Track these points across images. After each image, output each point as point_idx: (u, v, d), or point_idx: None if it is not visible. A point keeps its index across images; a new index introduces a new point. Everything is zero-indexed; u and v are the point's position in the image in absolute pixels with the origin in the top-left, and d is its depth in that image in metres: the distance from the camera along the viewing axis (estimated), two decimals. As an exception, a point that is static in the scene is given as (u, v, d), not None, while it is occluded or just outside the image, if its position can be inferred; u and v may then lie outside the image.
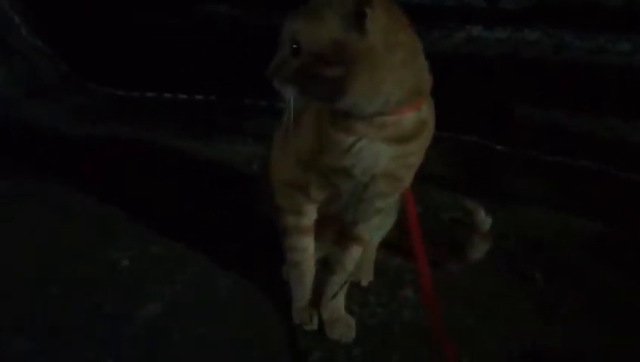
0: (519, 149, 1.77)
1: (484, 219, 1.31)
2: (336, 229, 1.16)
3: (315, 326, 1.16)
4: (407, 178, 1.02)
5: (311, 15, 0.86)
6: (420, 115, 0.93)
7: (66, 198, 1.60)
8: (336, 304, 1.17)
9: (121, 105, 2.32)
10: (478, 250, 1.32)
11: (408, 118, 0.92)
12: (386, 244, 1.37)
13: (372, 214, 1.08)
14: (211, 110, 2.26)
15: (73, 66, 2.47)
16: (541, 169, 1.78)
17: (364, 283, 1.32)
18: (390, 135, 0.91)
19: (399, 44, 0.85)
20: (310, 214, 1.10)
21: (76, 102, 2.41)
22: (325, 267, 1.21)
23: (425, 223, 1.14)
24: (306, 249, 1.13)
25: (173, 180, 1.78)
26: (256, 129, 2.18)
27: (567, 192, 1.73)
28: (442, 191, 1.71)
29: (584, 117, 1.79)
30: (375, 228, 1.16)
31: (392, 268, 1.40)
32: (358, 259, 1.16)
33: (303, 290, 1.17)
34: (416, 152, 0.97)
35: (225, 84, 2.21)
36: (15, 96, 2.35)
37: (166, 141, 2.08)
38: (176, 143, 2.07)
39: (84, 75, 2.41)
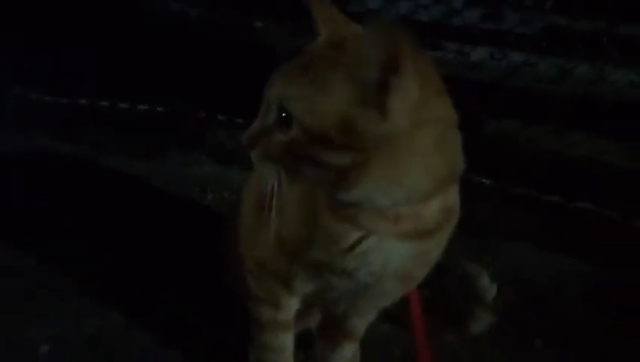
0: (508, 184, 1.61)
1: (488, 287, 1.14)
2: (322, 311, 0.93)
3: None
4: (424, 275, 0.79)
5: (311, 77, 0.61)
6: (445, 201, 0.70)
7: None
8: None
9: (46, 113, 1.95)
10: (481, 324, 1.15)
11: (431, 207, 0.68)
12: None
13: (373, 311, 0.86)
14: (159, 123, 1.93)
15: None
16: (531, 206, 1.63)
17: None
18: (407, 230, 0.68)
19: (432, 121, 0.62)
20: (291, 307, 0.86)
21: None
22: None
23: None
24: (284, 348, 0.89)
25: (110, 216, 1.45)
26: (213, 147, 1.86)
27: (556, 231, 1.60)
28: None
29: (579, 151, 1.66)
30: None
31: (380, 337, 1.19)
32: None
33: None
34: (439, 246, 0.75)
35: (177, 94, 1.89)
36: None
37: (102, 159, 1.73)
38: (114, 162, 1.73)
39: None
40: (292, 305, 0.85)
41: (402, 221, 0.67)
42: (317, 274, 0.76)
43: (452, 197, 0.72)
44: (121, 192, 1.59)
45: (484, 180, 1.60)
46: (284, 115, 0.62)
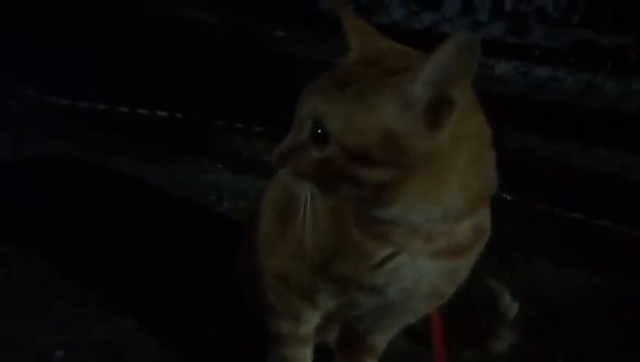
0: (527, 199, 1.58)
1: (511, 304, 1.10)
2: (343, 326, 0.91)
3: None
4: (452, 293, 0.76)
5: (349, 94, 0.59)
6: (477, 220, 0.68)
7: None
8: None
9: (62, 117, 1.95)
10: (502, 343, 1.11)
11: (464, 225, 0.66)
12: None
13: (396, 328, 0.83)
14: (176, 130, 1.92)
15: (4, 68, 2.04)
16: (547, 221, 1.60)
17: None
18: (440, 248, 0.66)
19: (470, 138, 0.60)
20: (312, 322, 0.83)
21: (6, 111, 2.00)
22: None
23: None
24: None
25: (122, 221, 1.44)
26: (229, 154, 1.85)
27: (572, 246, 1.56)
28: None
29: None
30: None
31: (395, 353, 1.15)
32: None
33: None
34: (469, 265, 0.72)
35: (194, 101, 1.88)
36: None
37: (115, 163, 1.72)
38: (130, 167, 1.71)
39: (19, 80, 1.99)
40: (313, 319, 0.83)
41: (435, 239, 0.65)
42: (342, 290, 0.73)
43: (484, 215, 0.69)
44: (132, 197, 1.57)
45: (505, 195, 1.56)
46: (319, 131, 0.60)
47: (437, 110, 0.56)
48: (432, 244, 0.65)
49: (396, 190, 0.59)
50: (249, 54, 1.97)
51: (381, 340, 0.87)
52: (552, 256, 1.49)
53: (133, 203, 1.54)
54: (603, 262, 1.48)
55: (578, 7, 1.72)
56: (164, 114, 1.86)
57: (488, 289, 1.11)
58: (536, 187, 1.56)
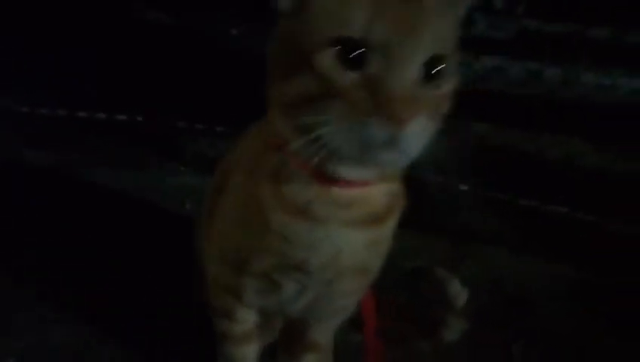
0: (484, 189, 1.60)
1: (459, 292, 1.12)
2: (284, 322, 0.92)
3: None
4: (377, 268, 0.78)
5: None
6: (390, 188, 0.70)
7: None
8: None
9: (24, 124, 1.94)
10: (453, 331, 1.13)
11: (379, 190, 0.68)
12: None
13: (332, 315, 0.84)
14: (138, 133, 1.93)
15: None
16: (506, 210, 1.63)
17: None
18: (357, 217, 0.67)
19: None
20: (247, 319, 0.84)
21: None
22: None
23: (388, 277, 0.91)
24: (245, 360, 0.88)
25: (86, 226, 1.43)
26: (192, 157, 1.85)
27: (532, 234, 1.59)
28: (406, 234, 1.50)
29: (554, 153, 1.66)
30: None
31: (352, 347, 1.17)
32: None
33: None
34: (388, 237, 0.74)
35: (155, 103, 1.88)
36: None
37: (81, 169, 1.72)
38: (94, 172, 1.72)
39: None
40: (247, 317, 0.84)
41: (352, 207, 0.66)
42: (267, 280, 0.74)
43: (396, 186, 0.71)
44: (97, 202, 1.57)
45: (461, 186, 1.59)
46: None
47: None
48: (349, 212, 0.66)
49: None
50: (206, 54, 1.98)
51: (320, 334, 0.88)
52: (509, 244, 1.52)
53: (98, 208, 1.54)
54: (559, 248, 1.51)
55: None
56: (123, 117, 1.86)
57: (436, 278, 1.13)
58: (489, 176, 1.58)
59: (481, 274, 1.44)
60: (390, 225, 0.72)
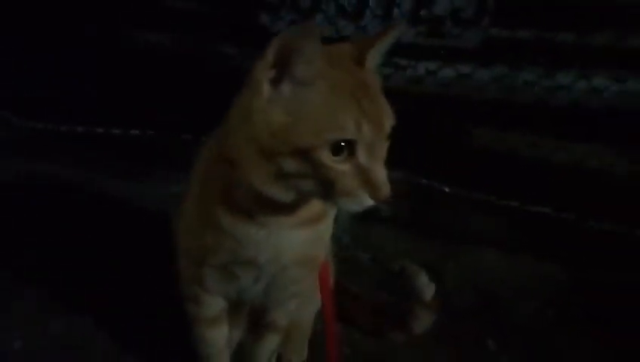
0: (469, 192, 1.65)
1: (427, 286, 1.17)
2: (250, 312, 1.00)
3: None
4: (323, 252, 0.87)
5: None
6: None
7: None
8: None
9: (43, 140, 2.05)
10: (422, 323, 1.18)
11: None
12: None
13: (287, 299, 0.92)
14: (148, 146, 2.06)
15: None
16: (492, 212, 1.67)
17: (296, 364, 1.16)
18: (300, 220, 0.76)
19: None
20: (212, 304, 0.93)
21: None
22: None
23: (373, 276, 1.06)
24: (215, 343, 0.96)
25: (93, 231, 1.54)
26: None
27: (518, 236, 1.62)
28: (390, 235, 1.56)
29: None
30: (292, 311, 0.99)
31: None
32: (274, 347, 1.00)
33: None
34: (328, 229, 0.82)
35: (161, 118, 2.02)
36: None
37: (95, 181, 1.82)
38: (106, 184, 1.82)
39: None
40: (212, 302, 0.92)
41: (297, 213, 0.75)
42: (225, 271, 0.83)
43: None
44: (113, 210, 1.66)
45: (444, 188, 1.64)
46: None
47: None
48: (289, 218, 0.75)
49: None
50: (204, 72, 2.12)
51: (278, 316, 0.96)
52: (494, 243, 1.55)
53: (112, 218, 1.62)
54: (542, 248, 1.54)
55: (488, 7, 1.81)
56: (137, 132, 2.00)
57: (405, 271, 1.18)
58: (473, 178, 1.62)
59: (464, 273, 1.47)
60: (327, 221, 0.81)
